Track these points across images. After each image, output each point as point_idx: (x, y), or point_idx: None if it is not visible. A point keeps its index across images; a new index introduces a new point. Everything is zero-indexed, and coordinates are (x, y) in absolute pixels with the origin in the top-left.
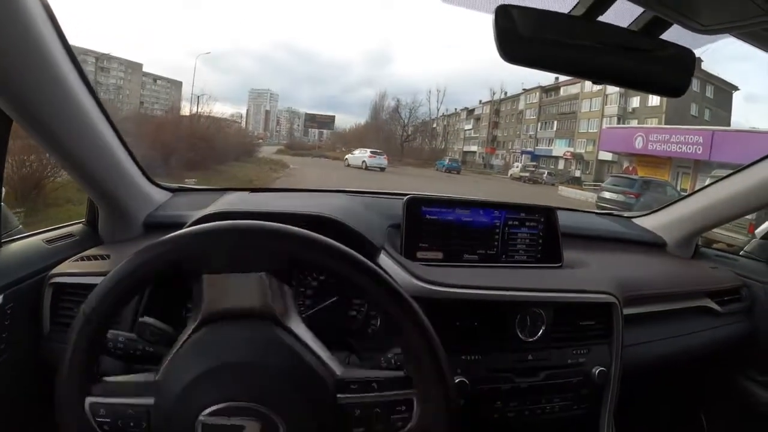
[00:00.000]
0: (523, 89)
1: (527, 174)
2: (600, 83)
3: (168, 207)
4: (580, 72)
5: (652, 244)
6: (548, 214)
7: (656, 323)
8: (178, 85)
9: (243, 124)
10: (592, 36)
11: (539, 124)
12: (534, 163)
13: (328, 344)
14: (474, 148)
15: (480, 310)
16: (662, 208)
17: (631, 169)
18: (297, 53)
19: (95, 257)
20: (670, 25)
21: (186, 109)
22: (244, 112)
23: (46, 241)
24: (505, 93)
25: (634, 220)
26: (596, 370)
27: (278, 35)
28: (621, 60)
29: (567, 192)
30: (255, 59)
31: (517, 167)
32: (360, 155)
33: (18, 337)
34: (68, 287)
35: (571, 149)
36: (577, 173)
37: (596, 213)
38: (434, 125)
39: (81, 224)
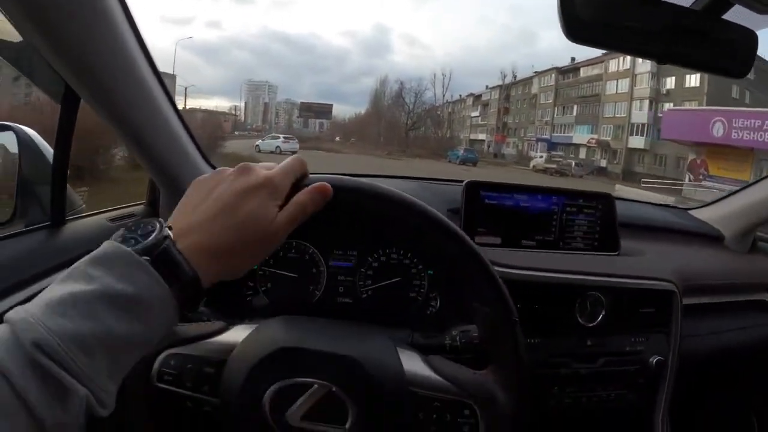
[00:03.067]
0: (535, 72)
1: (554, 165)
2: (663, 63)
3: None
4: (643, 52)
5: (708, 237)
6: (606, 201)
7: (713, 315)
8: (171, 78)
9: (242, 117)
10: (654, 16)
11: (556, 108)
12: (561, 153)
13: (389, 323)
14: (482, 136)
15: (540, 294)
16: (720, 199)
17: (699, 162)
18: (293, 44)
19: None
20: (732, 4)
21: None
22: (243, 105)
23: (109, 219)
24: (515, 77)
25: (690, 212)
26: (654, 359)
27: (273, 26)
28: (683, 40)
29: (630, 192)
30: (252, 52)
31: (541, 157)
32: (273, 141)
33: None
34: None
35: (596, 136)
36: (603, 163)
37: (652, 204)
38: (439, 112)
39: (142, 205)
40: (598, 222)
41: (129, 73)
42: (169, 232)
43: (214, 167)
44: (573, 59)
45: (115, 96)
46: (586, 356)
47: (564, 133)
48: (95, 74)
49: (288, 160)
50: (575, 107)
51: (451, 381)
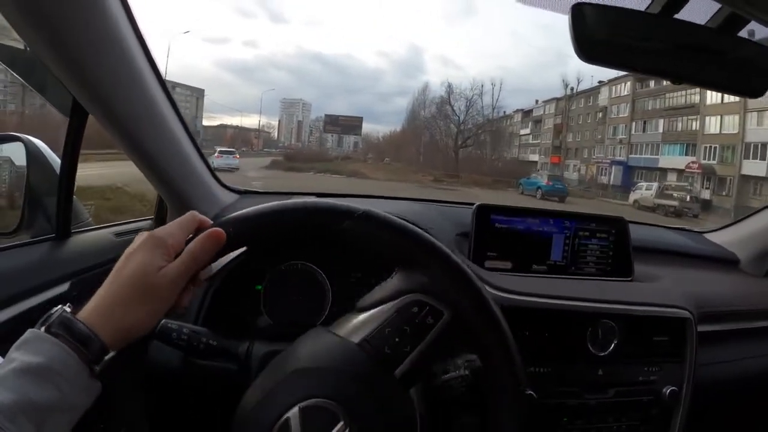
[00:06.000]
0: (599, 82)
1: (672, 202)
2: (678, 83)
3: (234, 208)
4: (657, 71)
5: (723, 261)
6: (619, 225)
7: (729, 343)
8: (200, 92)
9: (275, 135)
10: (668, 34)
11: (634, 124)
12: (685, 184)
13: None
14: (534, 157)
15: (550, 321)
16: (735, 222)
17: None
18: (328, 64)
19: None
20: (748, 21)
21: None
22: (276, 123)
23: (115, 234)
24: (573, 89)
25: (705, 235)
26: (667, 390)
27: (308, 46)
28: (698, 59)
29: None
30: (288, 71)
31: (648, 190)
32: (211, 157)
33: None
34: None
35: (695, 159)
36: (705, 194)
37: (665, 227)
38: (505, 124)
39: (150, 221)
40: (612, 247)
41: (136, 88)
42: (66, 307)
43: (220, 182)
44: None
45: (121, 110)
46: (597, 386)
47: (646, 153)
48: (100, 89)
49: (182, 216)
50: (661, 122)
51: (381, 303)
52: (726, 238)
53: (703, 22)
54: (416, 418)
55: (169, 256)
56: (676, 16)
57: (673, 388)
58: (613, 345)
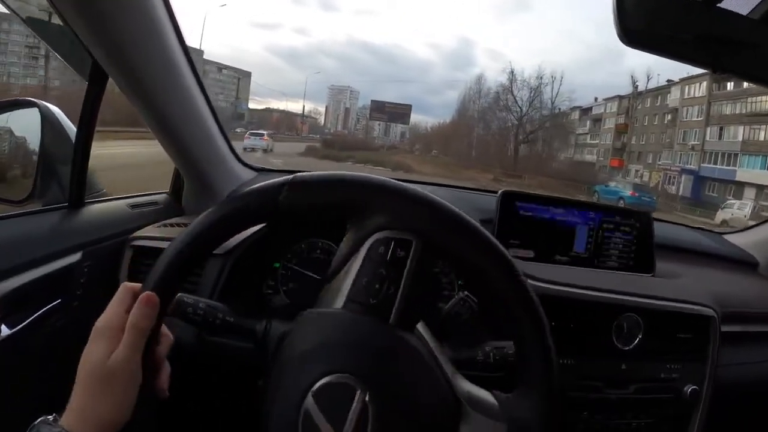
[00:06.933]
0: (667, 81)
1: None
2: (719, 73)
3: (251, 185)
4: (697, 60)
5: (742, 263)
6: (644, 220)
7: (750, 345)
8: (246, 75)
9: (321, 121)
10: (710, 22)
11: (708, 129)
12: None
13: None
14: (590, 158)
15: (576, 312)
16: (755, 225)
17: None
18: (378, 54)
19: (178, 225)
20: None
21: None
22: (323, 109)
23: (130, 206)
24: (636, 86)
25: (725, 236)
26: (688, 389)
27: (359, 35)
28: (738, 50)
29: None
30: (338, 59)
31: (741, 210)
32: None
33: (93, 294)
34: (148, 251)
35: None
36: None
37: (686, 226)
38: (569, 118)
39: (165, 194)
40: (635, 241)
41: (160, 54)
42: (49, 416)
43: (239, 159)
44: None
45: (144, 76)
46: (619, 381)
47: (720, 164)
48: (124, 50)
49: (116, 293)
50: (740, 129)
51: (347, 260)
52: (745, 240)
53: (745, 13)
54: (433, 357)
55: (117, 338)
56: (719, 5)
57: (694, 387)
58: (637, 339)
